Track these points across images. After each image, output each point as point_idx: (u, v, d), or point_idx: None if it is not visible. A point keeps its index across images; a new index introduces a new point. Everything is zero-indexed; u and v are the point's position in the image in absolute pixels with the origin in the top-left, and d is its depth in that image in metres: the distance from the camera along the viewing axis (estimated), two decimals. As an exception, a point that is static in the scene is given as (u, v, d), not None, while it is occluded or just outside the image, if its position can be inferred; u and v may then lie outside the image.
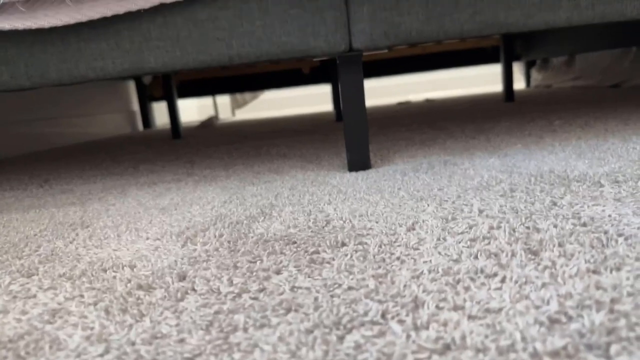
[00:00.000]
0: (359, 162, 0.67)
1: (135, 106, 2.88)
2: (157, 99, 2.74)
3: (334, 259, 0.34)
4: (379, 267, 0.31)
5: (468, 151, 0.72)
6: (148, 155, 1.16)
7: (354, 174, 0.65)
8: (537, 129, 0.89)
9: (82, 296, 0.31)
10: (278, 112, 3.26)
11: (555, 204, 0.41)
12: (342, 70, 0.63)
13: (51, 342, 0.25)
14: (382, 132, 1.13)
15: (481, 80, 3.73)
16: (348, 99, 0.65)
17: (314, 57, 0.61)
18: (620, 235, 0.32)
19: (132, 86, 2.86)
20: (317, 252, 0.35)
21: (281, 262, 0.34)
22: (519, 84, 2.69)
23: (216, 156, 1.00)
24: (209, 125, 2.24)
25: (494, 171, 0.56)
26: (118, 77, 0.63)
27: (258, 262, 0.34)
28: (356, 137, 0.66)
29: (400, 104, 2.48)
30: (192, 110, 3.91)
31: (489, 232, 0.35)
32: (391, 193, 0.51)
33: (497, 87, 3.05)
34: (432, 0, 0.57)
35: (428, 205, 0.45)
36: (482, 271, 0.29)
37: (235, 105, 2.91)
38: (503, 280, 0.27)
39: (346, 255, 0.34)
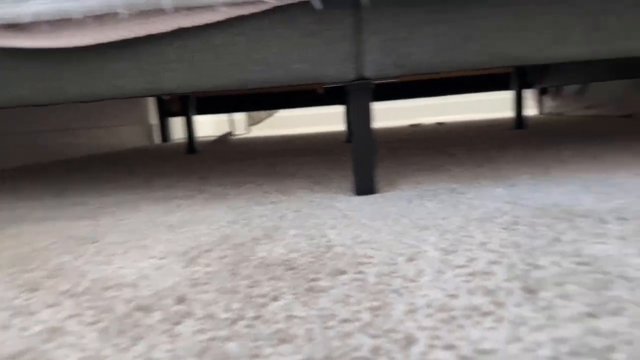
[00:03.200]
0: (365, 187, 0.68)
1: (154, 120, 2.94)
2: (175, 113, 2.79)
3: (332, 288, 0.34)
4: (376, 299, 0.32)
5: (475, 180, 0.72)
6: (163, 169, 1.18)
7: (360, 198, 0.65)
8: (546, 159, 0.88)
9: (82, 315, 0.32)
10: (292, 130, 3.29)
11: (557, 240, 0.41)
12: (352, 97, 0.64)
13: (49, 361, 0.26)
14: (392, 156, 1.13)
15: (492, 105, 3.73)
16: (357, 125, 0.66)
17: (325, 84, 0.62)
18: (621, 277, 0.32)
19: (151, 100, 2.93)
20: (316, 280, 0.36)
21: (280, 288, 0.34)
22: (531, 110, 2.68)
23: (228, 173, 1.02)
24: (224, 141, 2.27)
25: (499, 202, 0.56)
26: (136, 96, 0.65)
27: (257, 288, 0.35)
28: (363, 162, 0.67)
29: (412, 126, 2.49)
30: (209, 125, 3.97)
31: (488, 267, 0.35)
32: (395, 220, 0.51)
33: (508, 113, 3.04)
34: (443, 33, 0.58)
35: (431, 235, 0.45)
36: (477, 309, 0.29)
37: (251, 122, 2.95)
38: (498, 320, 0.27)
39: (344, 284, 0.34)
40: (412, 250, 0.41)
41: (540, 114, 2.57)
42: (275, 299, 0.33)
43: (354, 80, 0.61)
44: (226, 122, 3.16)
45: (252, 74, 0.61)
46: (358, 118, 0.65)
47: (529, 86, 2.49)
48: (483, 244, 0.41)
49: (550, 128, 1.64)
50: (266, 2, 0.56)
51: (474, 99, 3.80)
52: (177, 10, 0.56)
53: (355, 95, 0.64)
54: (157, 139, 2.93)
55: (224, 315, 0.30)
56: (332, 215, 0.56)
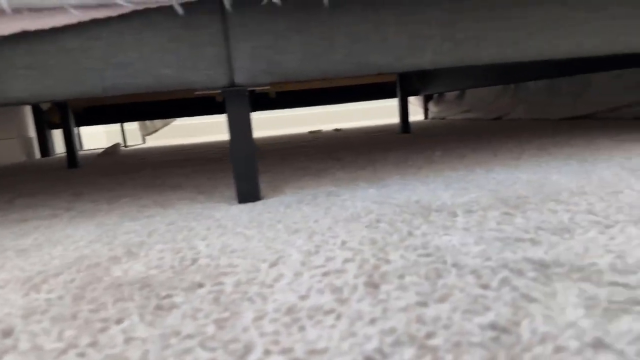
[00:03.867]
0: (248, 194, 0.67)
1: (32, 132, 2.64)
2: (56, 125, 2.54)
3: (184, 303, 0.32)
4: (227, 309, 0.31)
5: (354, 182, 0.75)
6: (33, 187, 1.06)
7: (241, 206, 0.64)
8: (420, 160, 0.95)
9: None
10: (190, 139, 3.17)
11: (411, 234, 0.44)
12: (229, 104, 0.63)
13: None
14: (284, 162, 1.14)
15: (388, 111, 3.96)
16: (235, 131, 0.65)
17: (196, 90, 0.61)
18: (454, 265, 0.35)
19: (29, 111, 2.63)
20: (170, 296, 0.34)
21: (126, 309, 0.32)
22: (418, 116, 2.89)
23: (107, 187, 0.94)
24: (112, 154, 2.11)
25: (368, 202, 0.59)
26: (-26, 106, 0.57)
27: (100, 311, 0.32)
28: (245, 170, 0.66)
29: (311, 133, 2.54)
30: (101, 136, 3.67)
31: (342, 266, 0.37)
32: (269, 226, 0.51)
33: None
34: (309, 41, 0.60)
35: (299, 238, 0.46)
36: (321, 308, 0.29)
37: (145, 132, 2.79)
38: (338, 317, 0.28)
39: (199, 298, 0.33)
40: (277, 256, 0.41)
41: (426, 119, 2.78)
42: (118, 321, 0.30)
43: (226, 87, 0.60)
44: (118, 132, 2.95)
45: (114, 80, 0.57)
46: (236, 125, 0.64)
47: (414, 93, 2.68)
48: (344, 242, 0.43)
49: (431, 131, 1.78)
50: (122, 6, 0.53)
51: (371, 106, 4.00)
52: (18, 11, 0.51)
53: (231, 101, 0.63)
54: (38, 153, 2.64)
55: (52, 346, 0.27)
56: (207, 225, 0.54)
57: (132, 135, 3.09)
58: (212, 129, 3.87)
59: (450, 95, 2.57)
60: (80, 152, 2.73)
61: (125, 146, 2.86)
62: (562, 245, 0.37)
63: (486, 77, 2.08)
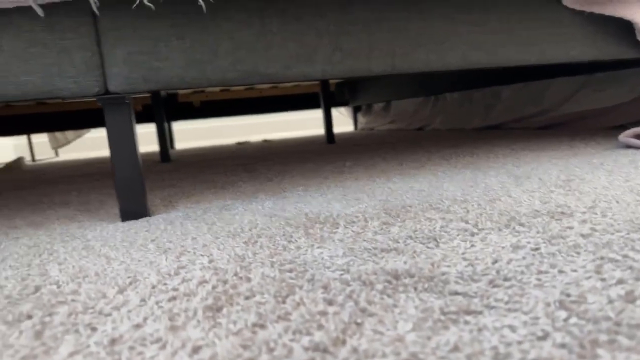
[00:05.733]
0: (133, 212, 0.62)
1: None
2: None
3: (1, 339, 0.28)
4: (43, 344, 0.27)
5: (255, 194, 0.73)
6: None
7: (122, 224, 0.60)
8: (329, 170, 0.95)
9: None
10: (105, 152, 3.00)
11: (285, 248, 0.42)
12: (107, 114, 0.59)
13: None
14: (195, 175, 1.09)
15: (321, 123, 4.00)
16: (117, 144, 0.60)
17: (64, 98, 0.56)
18: (310, 280, 0.33)
19: None
20: (-17, 333, 0.29)
21: None
22: (349, 127, 2.94)
23: (-17, 208, 0.85)
24: (15, 168, 1.93)
25: (258, 215, 0.57)
26: None
27: None
28: (128, 185, 0.62)
29: (239, 144, 2.49)
30: (9, 149, 3.37)
31: (195, 288, 0.34)
32: (140, 246, 0.48)
33: (334, 129, 3.29)
34: (190, 47, 0.57)
35: (166, 258, 0.42)
36: (149, 338, 0.27)
37: (56, 145, 2.59)
38: (163, 347, 0.25)
39: (18, 332, 0.29)
40: (132, 279, 0.37)
41: (356, 129, 2.83)
42: None
43: (99, 95, 0.56)
44: (26, 145, 2.72)
45: (-36, 88, 0.51)
46: (117, 137, 0.60)
47: (344, 104, 2.73)
48: (211, 261, 0.40)
49: (355, 142, 1.80)
50: (-31, 4, 0.47)
51: (304, 117, 4.01)
52: None
53: (109, 111, 0.59)
54: None
55: None
56: (73, 247, 0.49)
57: (41, 148, 2.86)
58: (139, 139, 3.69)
59: (377, 106, 2.63)
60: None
61: (33, 160, 2.64)
62: (424, 255, 0.37)
63: (408, 89, 2.16)
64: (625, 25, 0.80)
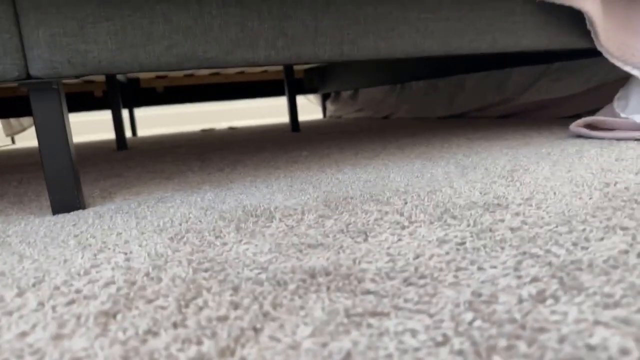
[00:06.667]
0: (64, 205, 0.59)
1: None
2: None
3: None
4: None
5: (199, 185, 0.70)
6: None
7: (50, 218, 0.56)
8: (283, 160, 0.93)
9: None
10: (75, 137, 2.88)
11: (210, 245, 0.40)
12: (33, 100, 0.55)
13: None
14: (144, 164, 1.05)
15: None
16: (45, 132, 0.56)
17: (-20, 83, 0.51)
18: (223, 281, 0.31)
19: None
20: None
21: None
22: (318, 114, 2.91)
23: None
24: (-37, 157, 1.83)
25: (193, 209, 0.54)
26: None
27: None
28: (59, 177, 0.58)
29: (204, 131, 2.43)
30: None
31: (98, 290, 0.31)
32: (61, 242, 0.44)
33: (307, 116, 3.26)
34: (122, 30, 0.53)
35: (82, 256, 0.40)
36: (26, 349, 0.24)
37: (10, 131, 2.47)
38: (40, 359, 0.23)
39: None
40: (38, 280, 0.35)
41: (325, 117, 2.81)
42: None
43: (20, 80, 0.52)
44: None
45: None
46: (45, 125, 0.56)
47: (313, 91, 2.69)
48: (127, 259, 0.38)
49: (320, 130, 1.78)
50: None
51: (273, 103, 3.95)
52: None
53: (35, 96, 0.55)
54: None
55: None
56: (-12, 244, 0.46)
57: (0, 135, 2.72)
58: (85, 127, 3.57)
59: (345, 94, 2.61)
60: None
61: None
62: (349, 250, 0.35)
63: (376, 77, 2.15)
64: (577, 15, 0.81)
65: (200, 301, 0.28)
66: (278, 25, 0.60)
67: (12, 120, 2.40)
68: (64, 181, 0.58)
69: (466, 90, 1.75)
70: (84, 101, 2.30)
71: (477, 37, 0.73)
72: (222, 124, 3.34)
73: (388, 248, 0.35)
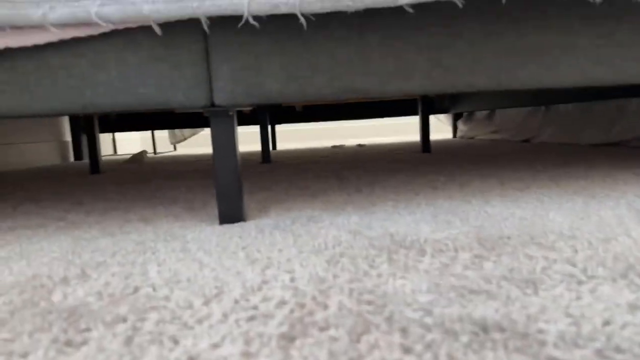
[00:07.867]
0: (230, 215, 0.66)
1: (68, 137, 2.77)
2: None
3: (95, 341, 0.31)
4: (130, 353, 0.29)
5: (342, 206, 0.73)
6: (44, 193, 1.09)
7: (218, 227, 0.63)
8: (421, 185, 0.91)
9: None
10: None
11: (366, 274, 0.41)
12: (213, 123, 0.63)
13: None
14: (289, 178, 1.12)
15: (416, 127, 3.89)
16: (219, 151, 0.64)
17: (175, 109, 0.60)
18: (389, 318, 0.32)
19: (66, 116, 2.77)
20: (88, 330, 0.33)
21: (39, 341, 0.31)
22: (447, 134, 2.82)
23: (108, 197, 0.96)
24: (138, 160, 2.17)
25: (343, 231, 0.56)
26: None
27: (15, 342, 0.31)
28: (228, 189, 0.65)
29: (334, 147, 2.52)
30: (136, 142, 3.81)
31: (274, 309, 0.34)
32: (232, 254, 0.50)
33: (436, 135, 3.18)
34: (291, 63, 0.58)
35: (252, 270, 0.44)
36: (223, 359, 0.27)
37: (174, 140, 2.86)
38: (235, 374, 0.26)
39: (113, 336, 0.32)
40: (218, 290, 0.39)
41: (455, 137, 2.71)
42: (23, 355, 0.29)
43: (205, 108, 0.60)
44: (150, 139, 3.04)
45: (94, 98, 0.58)
46: (220, 145, 0.64)
47: (443, 111, 2.62)
48: (292, 279, 0.40)
49: (452, 152, 1.72)
50: (102, 25, 0.53)
51: (401, 122, 3.94)
52: (2, 29, 0.52)
53: (214, 122, 0.62)
54: (72, 156, 2.76)
55: (-61, 381, 0.27)
56: (173, 248, 0.53)
57: (162, 142, 3.18)
58: (243, 138, 3.93)
59: (480, 114, 2.49)
60: (112, 158, 2.82)
61: (155, 153, 2.94)
62: (518, 303, 0.33)
63: (516, 98, 2.01)
64: None
65: (371, 338, 0.29)
66: (435, 56, 0.60)
67: (176, 131, 2.78)
68: (231, 195, 0.65)
69: (628, 115, 1.53)
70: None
71: (663, 62, 0.64)
72: (350, 140, 3.42)
73: (567, 307, 0.32)
